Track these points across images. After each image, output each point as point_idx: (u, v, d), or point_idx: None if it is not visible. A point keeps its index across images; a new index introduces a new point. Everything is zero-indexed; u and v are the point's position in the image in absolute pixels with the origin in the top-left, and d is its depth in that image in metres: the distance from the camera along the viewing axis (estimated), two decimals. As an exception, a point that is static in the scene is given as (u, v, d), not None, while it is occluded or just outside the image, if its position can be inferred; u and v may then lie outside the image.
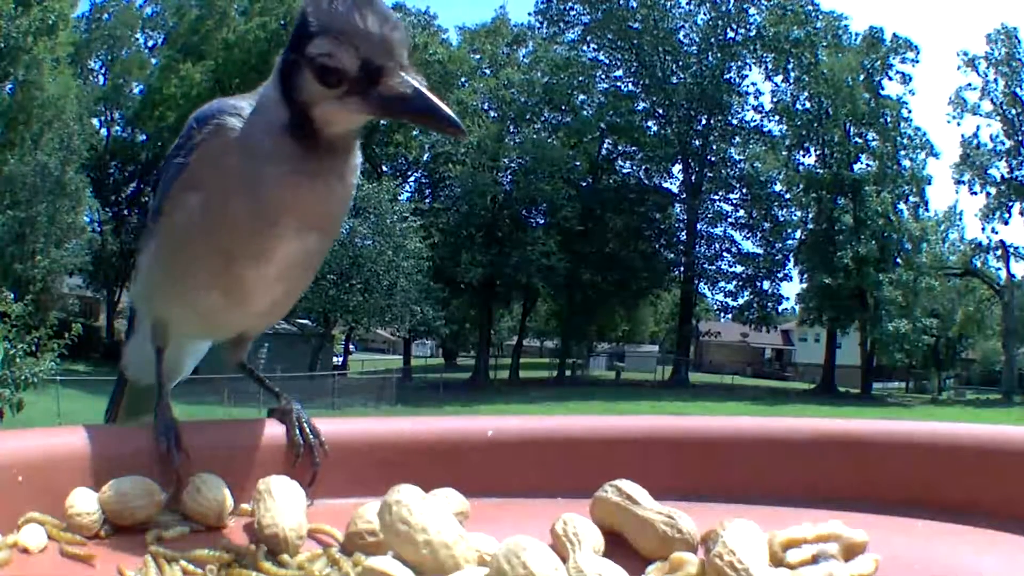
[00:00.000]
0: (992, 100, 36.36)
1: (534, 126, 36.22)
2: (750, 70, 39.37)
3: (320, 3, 0.88)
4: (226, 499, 0.88)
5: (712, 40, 37.67)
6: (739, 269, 38.32)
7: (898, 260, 34.78)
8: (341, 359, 38.50)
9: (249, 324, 1.06)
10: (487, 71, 37.45)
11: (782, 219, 38.04)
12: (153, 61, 38.29)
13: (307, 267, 1.00)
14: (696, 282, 38.69)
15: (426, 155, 37.46)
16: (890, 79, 36.64)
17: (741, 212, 38.45)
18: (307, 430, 1.00)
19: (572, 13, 38.49)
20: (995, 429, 1.04)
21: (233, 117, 0.93)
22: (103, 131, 38.03)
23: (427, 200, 36.45)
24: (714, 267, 38.50)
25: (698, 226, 38.22)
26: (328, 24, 0.87)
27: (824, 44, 35.88)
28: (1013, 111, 35.83)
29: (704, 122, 38.25)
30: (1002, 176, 36.40)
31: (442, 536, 0.72)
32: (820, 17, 36.53)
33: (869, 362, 36.84)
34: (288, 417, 1.01)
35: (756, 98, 40.91)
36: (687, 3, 38.07)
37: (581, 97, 37.66)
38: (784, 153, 37.45)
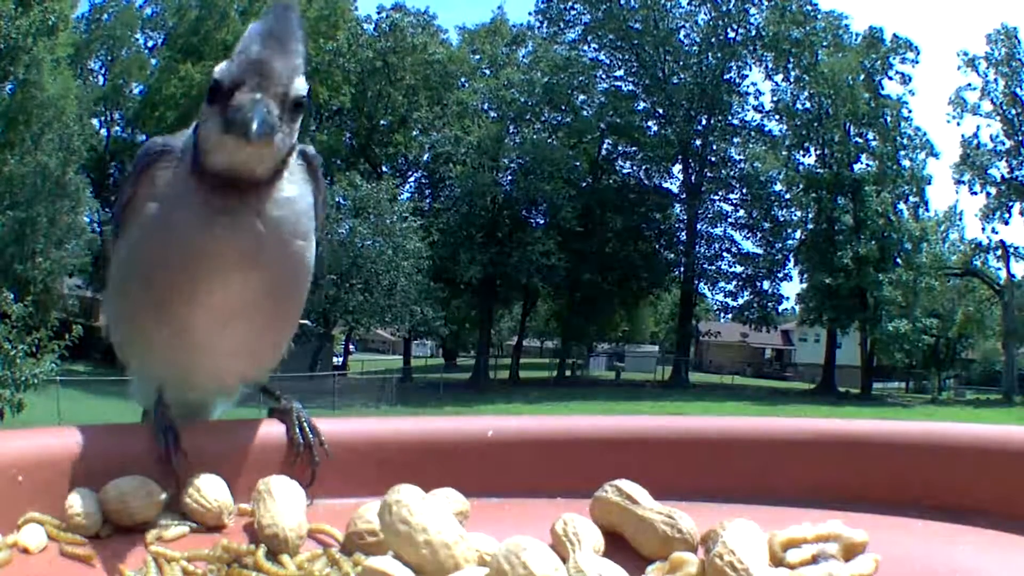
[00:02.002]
0: (992, 100, 36.34)
1: (534, 126, 36.19)
2: (750, 70, 39.38)
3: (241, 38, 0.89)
4: (226, 499, 0.88)
5: (712, 40, 37.66)
6: (739, 269, 38.31)
7: (898, 260, 34.75)
8: (341, 359, 38.50)
9: (231, 369, 1.02)
10: (487, 71, 37.43)
11: (782, 219, 38.02)
12: (153, 61, 38.26)
13: (272, 301, 0.96)
14: (696, 282, 38.66)
15: (426, 155, 37.47)
16: (890, 79, 36.65)
17: (741, 212, 38.44)
18: (307, 429, 0.99)
19: (572, 13, 38.47)
20: (995, 429, 1.04)
21: (169, 157, 0.93)
22: (103, 131, 38.00)
23: (427, 200, 36.44)
24: (714, 267, 38.48)
25: (698, 226, 38.21)
26: (235, 52, 0.88)
27: (824, 44, 35.86)
28: (1013, 111, 35.80)
29: (704, 122, 38.22)
30: (1002, 176, 36.39)
31: (442, 536, 0.72)
32: (820, 17, 36.51)
33: (869, 362, 36.82)
34: (288, 416, 1.01)
35: (756, 98, 40.82)
36: (687, 3, 38.07)
37: (581, 97, 37.63)
38: (784, 153, 37.42)
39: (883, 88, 36.36)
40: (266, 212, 0.91)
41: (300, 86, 0.89)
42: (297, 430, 0.99)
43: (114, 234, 0.98)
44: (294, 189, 0.94)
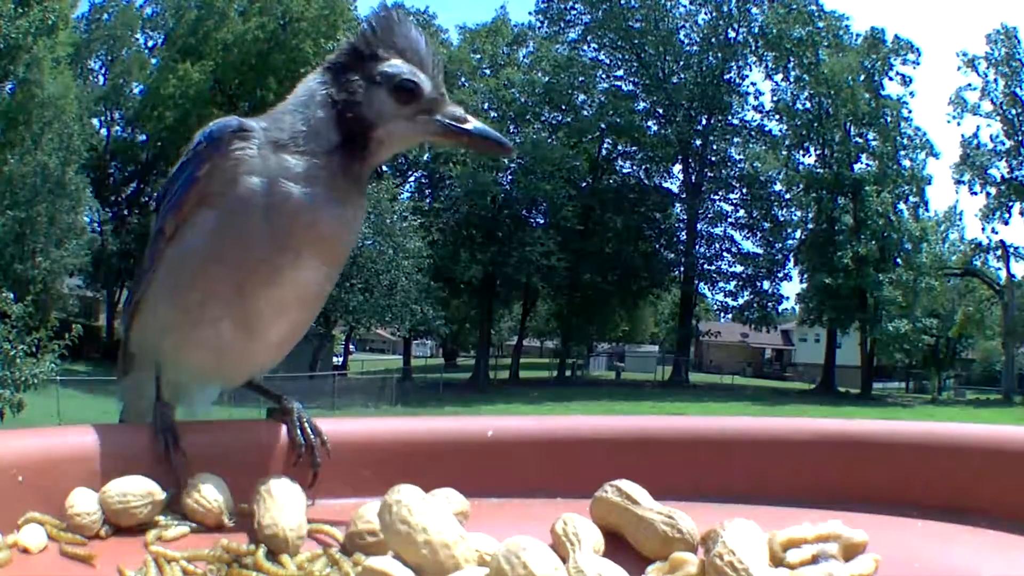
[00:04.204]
0: (992, 100, 36.34)
1: (534, 126, 36.19)
2: (751, 70, 39.42)
3: (390, 27, 0.94)
4: (226, 499, 0.88)
5: (713, 40, 37.67)
6: (739, 269, 38.32)
7: (898, 260, 34.75)
8: (341, 359, 38.49)
9: (258, 362, 1.03)
10: (487, 71, 37.43)
11: (782, 219, 38.04)
12: (153, 61, 38.25)
13: (315, 300, 0.99)
14: (696, 282, 38.68)
15: (426, 155, 37.46)
16: (891, 79, 36.66)
17: (741, 212, 38.45)
18: (308, 430, 1.00)
19: (572, 13, 38.47)
20: (994, 429, 1.04)
21: (251, 134, 0.93)
22: (103, 131, 37.98)
23: (427, 200, 36.42)
24: (714, 267, 38.49)
25: (698, 226, 38.22)
26: (402, 47, 0.93)
27: (825, 44, 35.86)
28: (1013, 111, 35.80)
29: (704, 122, 38.23)
30: (1002, 176, 36.38)
31: (442, 536, 0.72)
32: (822, 17, 36.51)
33: (869, 362, 36.82)
34: (289, 417, 1.01)
35: (756, 98, 40.93)
36: (688, 3, 38.10)
37: (581, 97, 37.64)
38: (784, 153, 37.44)
39: (883, 88, 36.38)
40: (359, 213, 0.98)
41: None
42: (298, 431, 0.99)
43: (171, 216, 0.95)
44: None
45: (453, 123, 0.95)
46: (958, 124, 48.28)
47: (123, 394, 1.15)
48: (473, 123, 0.96)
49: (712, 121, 38.08)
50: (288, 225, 0.91)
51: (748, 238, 38.42)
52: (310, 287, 0.96)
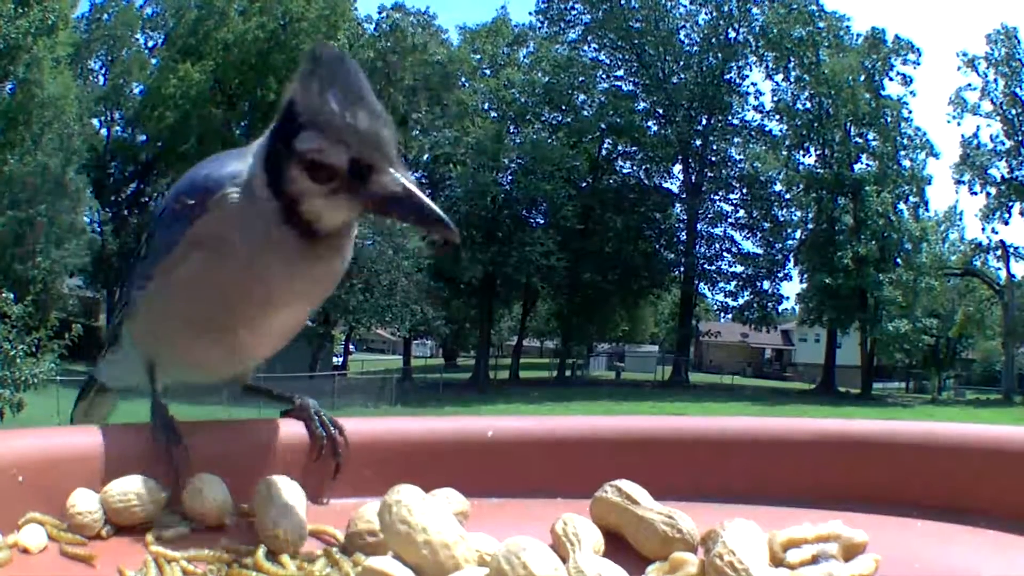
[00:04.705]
0: (992, 100, 36.35)
1: (534, 126, 36.19)
2: (751, 70, 39.40)
3: (310, 95, 0.84)
4: (226, 499, 0.88)
5: (713, 40, 37.67)
6: (739, 269, 38.34)
7: (898, 260, 34.76)
8: (341, 359, 38.49)
9: (248, 366, 1.08)
10: (487, 71, 37.43)
11: (782, 219, 38.04)
12: (153, 61, 38.24)
13: (299, 326, 1.01)
14: (696, 282, 38.69)
15: (426, 155, 37.47)
16: (891, 80, 36.66)
17: (741, 212, 38.46)
18: (327, 423, 1.01)
19: (573, 13, 38.48)
20: (994, 429, 1.04)
21: (234, 189, 0.91)
22: (103, 131, 38.00)
23: (427, 200, 36.38)
24: (714, 267, 38.50)
25: (698, 226, 38.22)
26: (318, 119, 0.84)
27: (826, 44, 35.87)
28: (1013, 111, 35.80)
29: (704, 122, 38.23)
30: (1002, 176, 36.39)
31: (442, 536, 0.72)
32: (823, 17, 36.51)
33: (869, 362, 36.82)
34: (306, 413, 1.02)
35: (756, 98, 40.94)
36: (688, 3, 38.10)
37: (581, 97, 37.64)
38: (784, 153, 37.44)
39: (884, 88, 36.38)
40: (343, 249, 0.94)
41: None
42: (318, 425, 1.00)
43: (163, 249, 0.95)
44: (355, 227, 0.96)
45: (379, 200, 0.85)
46: (958, 124, 48.31)
47: (104, 369, 1.17)
48: (414, 197, 0.84)
49: (712, 121, 38.09)
50: (266, 281, 0.91)
51: (748, 238, 38.49)
52: (291, 321, 0.98)
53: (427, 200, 0.84)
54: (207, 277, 0.93)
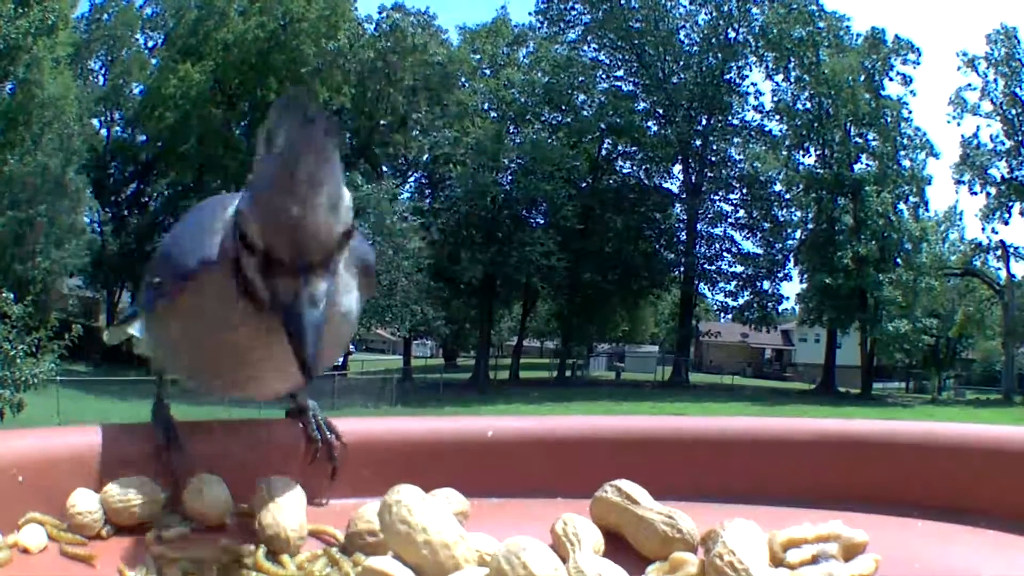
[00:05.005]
0: (992, 100, 36.34)
1: (534, 126, 36.18)
2: (751, 70, 39.40)
3: (259, 155, 0.74)
4: (226, 499, 0.88)
5: (713, 40, 37.67)
6: (739, 269, 38.31)
7: (898, 260, 34.75)
8: (341, 359, 38.49)
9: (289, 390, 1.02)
10: (487, 71, 37.42)
11: (782, 219, 38.03)
12: (153, 61, 38.24)
13: (296, 374, 0.97)
14: (696, 282, 38.69)
15: (426, 155, 37.47)
16: (891, 80, 36.65)
17: (741, 212, 38.45)
18: (324, 427, 1.00)
19: (573, 13, 38.46)
20: (994, 429, 1.04)
21: (207, 271, 0.85)
22: (103, 131, 38.00)
23: (427, 200, 36.44)
24: (714, 267, 38.49)
25: (698, 226, 38.21)
26: (254, 185, 0.75)
27: (826, 44, 35.87)
28: (1013, 111, 35.80)
29: (704, 122, 38.23)
30: (1002, 176, 36.38)
31: (442, 536, 0.72)
32: (823, 17, 36.51)
33: (869, 362, 36.82)
34: (305, 415, 1.01)
35: (756, 98, 40.95)
36: (688, 3, 38.10)
37: (581, 97, 37.62)
38: (784, 153, 37.44)
39: (884, 88, 36.38)
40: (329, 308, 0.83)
41: (346, 216, 0.75)
42: (314, 428, 1.00)
43: (163, 299, 0.90)
44: (349, 300, 0.87)
45: (275, 303, 0.75)
46: (958, 124, 48.32)
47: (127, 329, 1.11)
48: (292, 318, 0.73)
49: (712, 121, 38.09)
50: (247, 359, 0.87)
51: (748, 238, 38.47)
52: (291, 382, 0.91)
53: (310, 329, 0.73)
54: (199, 344, 0.90)
